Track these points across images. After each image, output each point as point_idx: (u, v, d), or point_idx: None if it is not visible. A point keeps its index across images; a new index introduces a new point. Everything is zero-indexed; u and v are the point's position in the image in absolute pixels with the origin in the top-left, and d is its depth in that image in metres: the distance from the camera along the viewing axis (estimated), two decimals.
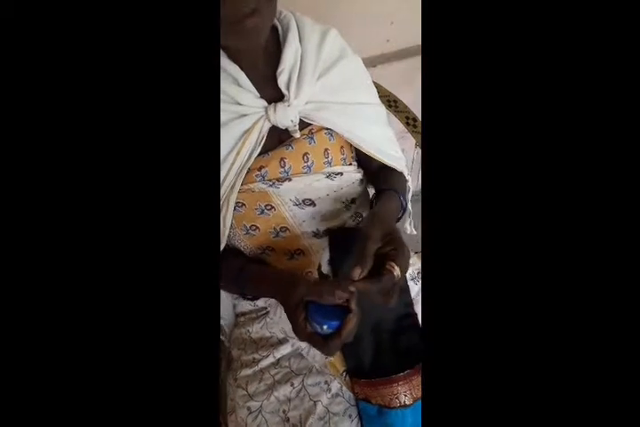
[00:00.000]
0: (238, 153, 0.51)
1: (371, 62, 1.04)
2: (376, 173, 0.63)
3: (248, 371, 0.56)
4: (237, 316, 0.67)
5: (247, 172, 0.52)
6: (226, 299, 0.67)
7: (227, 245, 0.57)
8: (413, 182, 0.69)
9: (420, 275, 0.61)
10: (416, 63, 1.04)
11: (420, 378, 0.50)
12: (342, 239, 0.55)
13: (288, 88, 0.51)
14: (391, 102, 0.72)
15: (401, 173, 0.63)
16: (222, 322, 0.67)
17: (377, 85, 0.71)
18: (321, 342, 0.43)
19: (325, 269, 0.54)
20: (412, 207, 0.69)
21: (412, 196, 0.70)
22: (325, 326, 0.42)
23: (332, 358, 0.51)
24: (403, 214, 0.60)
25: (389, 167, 0.61)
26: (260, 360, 0.55)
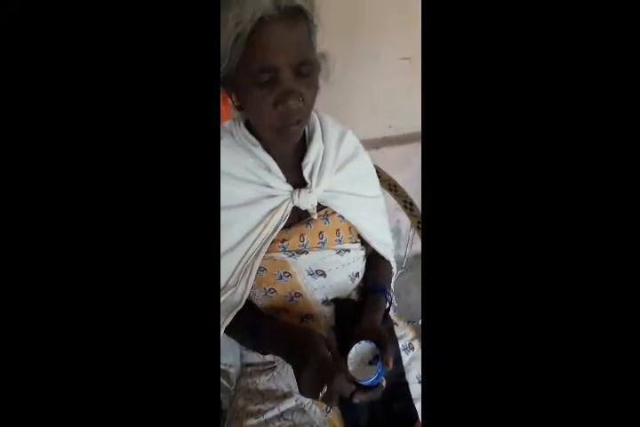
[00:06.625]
0: (265, 226, 0.62)
1: (374, 145, 1.19)
2: (369, 258, 0.75)
3: (253, 421, 0.61)
4: (245, 366, 0.73)
5: (271, 242, 0.62)
6: (235, 347, 0.74)
7: (246, 303, 0.65)
8: (409, 248, 0.88)
9: (411, 346, 0.70)
10: (414, 147, 1.21)
11: None
12: (346, 310, 0.64)
13: (311, 178, 0.64)
14: (392, 186, 0.84)
15: (387, 261, 0.76)
16: (231, 370, 0.73)
17: (380, 171, 0.84)
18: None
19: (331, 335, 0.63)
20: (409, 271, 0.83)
21: (407, 261, 0.89)
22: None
23: (331, 416, 0.58)
24: (389, 308, 0.71)
25: (379, 254, 0.74)
26: (265, 412, 0.61)
